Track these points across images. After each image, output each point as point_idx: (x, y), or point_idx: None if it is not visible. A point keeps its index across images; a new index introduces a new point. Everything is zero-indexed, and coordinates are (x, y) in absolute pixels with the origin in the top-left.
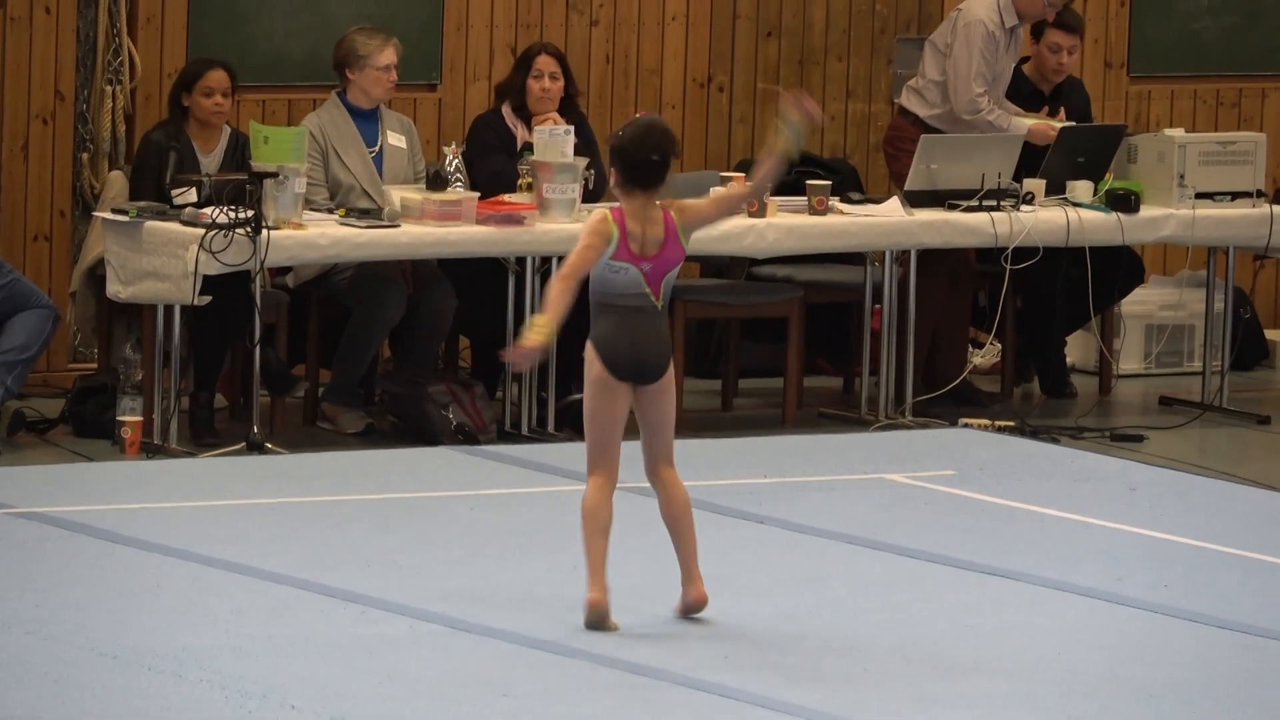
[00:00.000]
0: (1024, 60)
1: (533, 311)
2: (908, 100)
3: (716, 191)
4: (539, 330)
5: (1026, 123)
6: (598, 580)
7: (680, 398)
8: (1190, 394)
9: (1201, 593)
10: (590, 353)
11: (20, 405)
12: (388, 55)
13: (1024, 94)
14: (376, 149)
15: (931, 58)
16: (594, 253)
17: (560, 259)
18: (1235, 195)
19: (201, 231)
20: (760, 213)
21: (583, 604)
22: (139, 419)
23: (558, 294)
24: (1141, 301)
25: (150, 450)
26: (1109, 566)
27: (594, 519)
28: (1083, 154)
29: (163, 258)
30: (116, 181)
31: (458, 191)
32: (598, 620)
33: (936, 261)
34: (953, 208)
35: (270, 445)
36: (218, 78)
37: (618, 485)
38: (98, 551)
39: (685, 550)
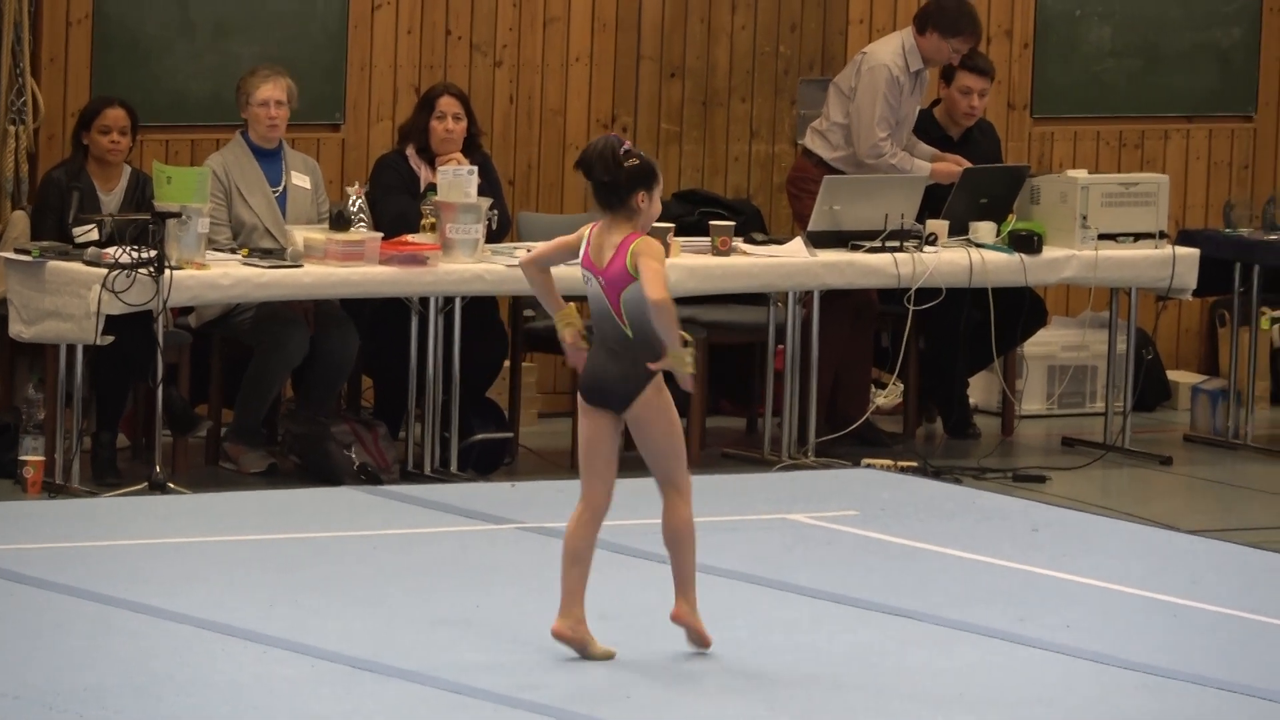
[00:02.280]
0: (935, 103)
1: (434, 350)
2: (811, 141)
3: (654, 283)
4: (561, 328)
5: (929, 165)
6: (565, 608)
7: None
8: (1093, 434)
9: (1103, 633)
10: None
11: None
12: (266, 91)
13: (933, 139)
14: (280, 189)
15: (836, 100)
16: (564, 244)
17: (462, 299)
18: (1138, 236)
19: (104, 271)
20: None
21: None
22: (41, 459)
23: (531, 283)
24: (1044, 342)
25: (52, 490)
26: (1011, 607)
27: (567, 548)
28: (986, 195)
29: (65, 297)
30: (19, 221)
31: (361, 232)
32: (571, 647)
33: (839, 302)
34: (856, 248)
35: (172, 485)
36: (115, 115)
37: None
38: None
39: (674, 570)
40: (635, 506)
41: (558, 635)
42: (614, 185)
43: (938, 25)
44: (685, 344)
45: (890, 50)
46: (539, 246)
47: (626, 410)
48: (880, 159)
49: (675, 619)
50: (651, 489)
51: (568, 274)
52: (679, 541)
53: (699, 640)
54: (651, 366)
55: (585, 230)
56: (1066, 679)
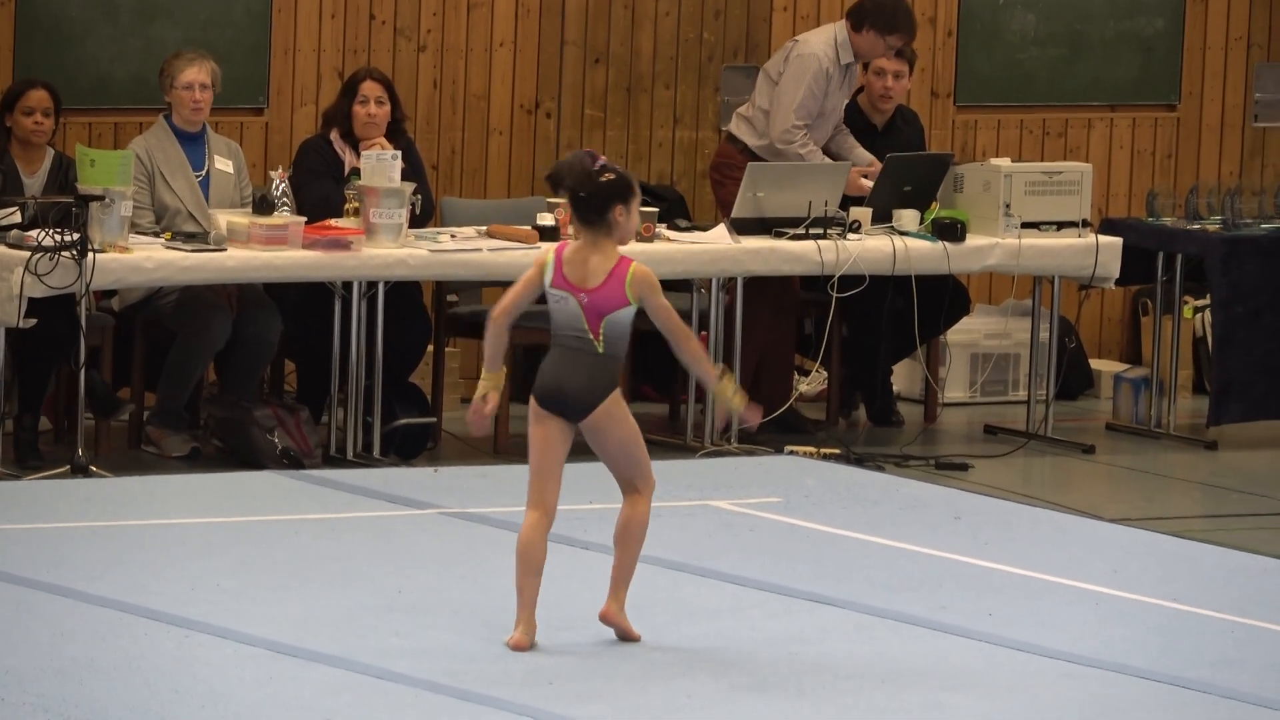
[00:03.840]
0: (858, 91)
1: (357, 334)
2: (737, 128)
3: (675, 321)
4: (484, 387)
5: (848, 164)
6: (524, 619)
7: (503, 423)
8: (1015, 423)
9: (1024, 621)
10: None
11: None
12: (189, 74)
13: (857, 127)
14: (203, 173)
15: (763, 87)
16: (528, 286)
17: (385, 284)
18: (1061, 225)
19: (27, 254)
20: None
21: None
22: None
23: (491, 337)
24: (967, 330)
25: None
26: (933, 594)
27: (524, 557)
28: (909, 183)
29: None
30: None
31: (284, 216)
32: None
33: (762, 289)
34: (779, 235)
35: (95, 468)
36: (38, 97)
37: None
38: None
39: (616, 567)
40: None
41: (519, 647)
42: (590, 201)
43: (874, 23)
44: (720, 376)
45: (822, 41)
46: (506, 296)
47: (584, 420)
48: (790, 146)
49: (604, 618)
50: (565, 475)
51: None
52: (629, 537)
53: (627, 637)
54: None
55: (547, 255)
56: (987, 667)
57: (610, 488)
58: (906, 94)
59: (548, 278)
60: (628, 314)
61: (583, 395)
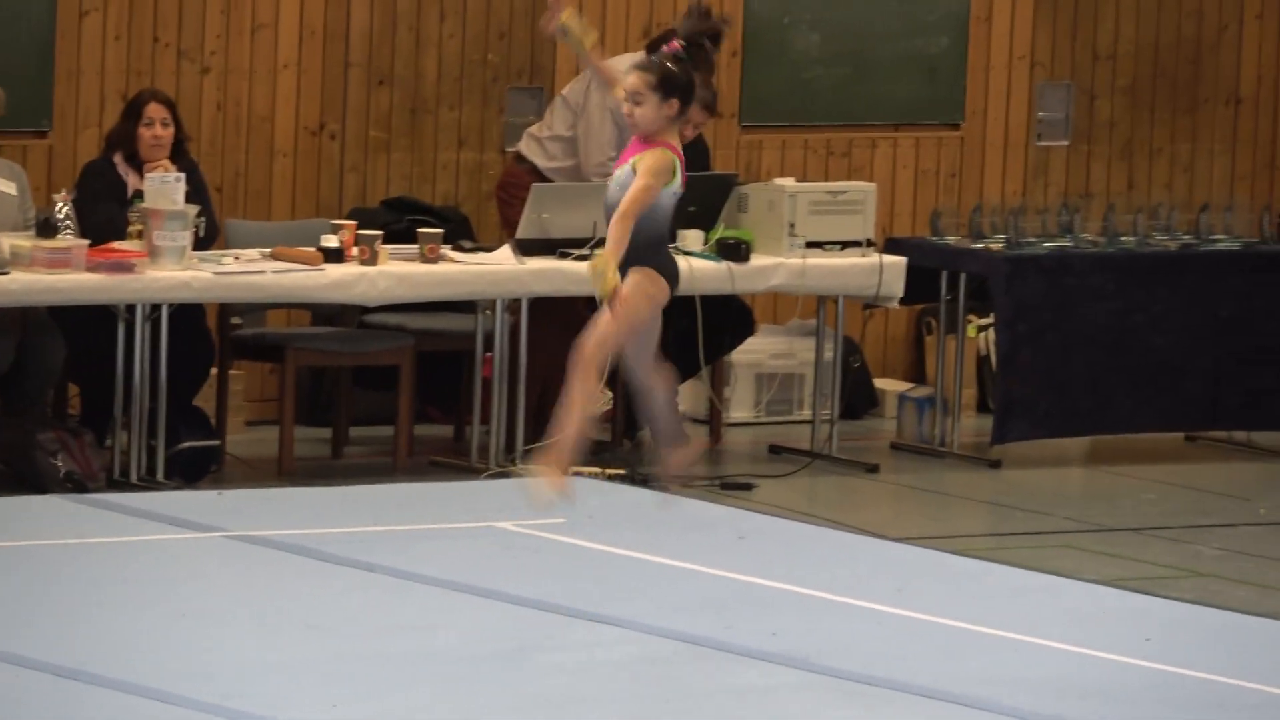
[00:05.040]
0: None
1: (141, 357)
2: (527, 147)
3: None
4: (610, 274)
5: None
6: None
7: (287, 446)
8: (800, 442)
9: (809, 640)
10: (653, 275)
11: None
12: None
13: None
14: None
15: (561, 112)
16: (660, 189)
17: (169, 307)
18: (845, 244)
19: None
20: (371, 260)
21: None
22: None
23: (621, 232)
24: (752, 350)
25: None
26: (717, 614)
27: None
28: (694, 203)
29: None
30: None
31: (67, 239)
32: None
33: (548, 310)
34: (564, 256)
35: None
36: None
37: None
38: None
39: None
40: (335, 514)
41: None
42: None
43: None
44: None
45: (621, 70)
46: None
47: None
48: (608, 179)
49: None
50: (350, 496)
51: None
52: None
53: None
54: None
55: (669, 161)
56: (772, 686)
57: (388, 507)
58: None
59: (675, 182)
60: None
61: None
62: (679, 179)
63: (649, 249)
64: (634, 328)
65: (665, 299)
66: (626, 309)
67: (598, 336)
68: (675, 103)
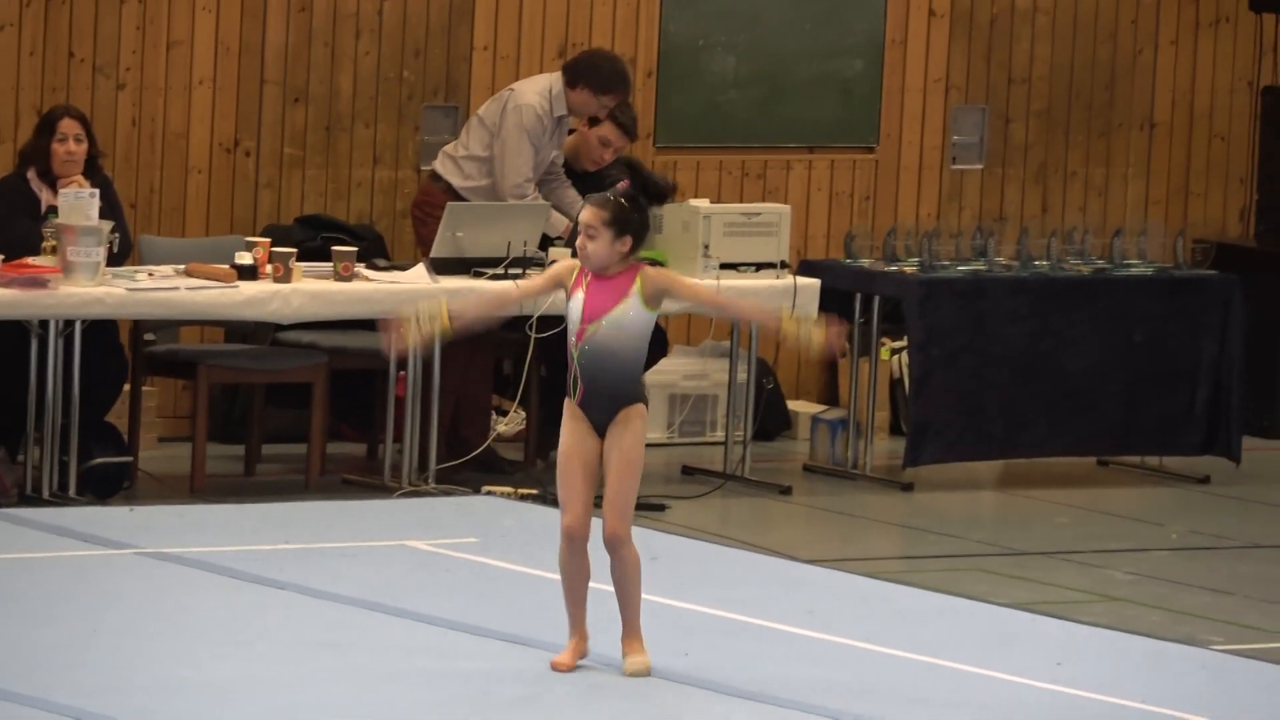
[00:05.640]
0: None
1: (54, 373)
2: (443, 166)
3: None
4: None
5: (562, 222)
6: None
7: (199, 463)
8: (713, 463)
9: (720, 662)
10: (645, 414)
11: None
12: None
13: (567, 172)
14: None
15: (477, 132)
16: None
17: (82, 322)
18: (759, 266)
19: None
20: (286, 278)
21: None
22: None
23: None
24: (665, 371)
25: None
26: None
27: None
28: None
29: None
30: None
31: None
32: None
33: None
34: (478, 275)
35: None
36: None
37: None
38: None
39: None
40: (247, 531)
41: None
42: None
43: (589, 82)
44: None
45: (537, 91)
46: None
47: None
48: (523, 200)
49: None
50: (263, 514)
51: None
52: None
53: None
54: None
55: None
56: (681, 708)
57: (301, 525)
58: None
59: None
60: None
61: None
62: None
63: (639, 382)
64: (637, 474)
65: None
66: (640, 461)
67: (625, 512)
68: (629, 240)
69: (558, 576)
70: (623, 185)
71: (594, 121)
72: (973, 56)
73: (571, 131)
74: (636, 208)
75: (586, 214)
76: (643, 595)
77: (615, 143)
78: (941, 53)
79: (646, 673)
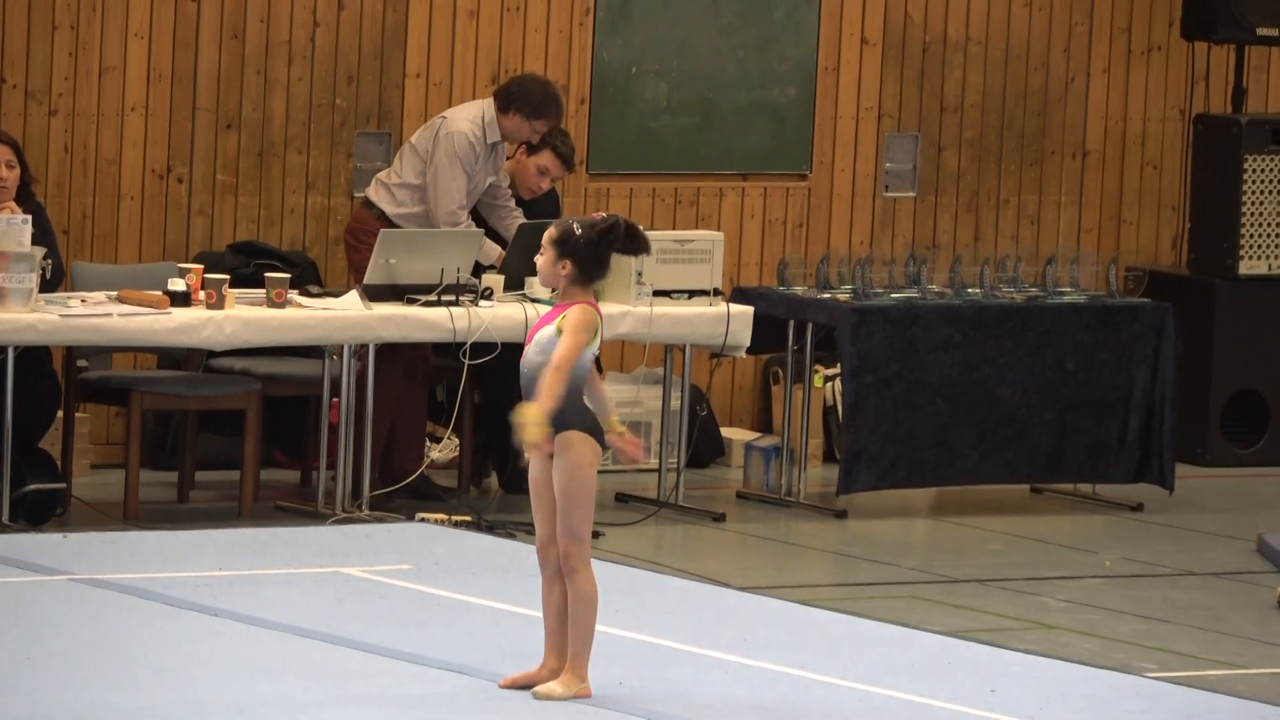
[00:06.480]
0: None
1: None
2: (375, 193)
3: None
4: (537, 425)
5: (495, 250)
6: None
7: (133, 490)
8: (647, 491)
9: (654, 690)
10: (585, 440)
11: None
12: None
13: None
14: None
15: (409, 160)
16: (585, 347)
17: (15, 349)
18: (693, 293)
19: None
20: (218, 305)
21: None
22: None
23: (555, 384)
24: None
25: None
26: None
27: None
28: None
29: None
30: None
31: None
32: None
33: (394, 355)
34: (411, 302)
35: None
36: None
37: None
38: None
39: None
40: (180, 558)
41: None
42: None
43: (520, 107)
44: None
45: (469, 118)
46: (568, 355)
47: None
48: (457, 228)
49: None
50: (196, 541)
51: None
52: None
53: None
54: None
55: (593, 319)
56: None
57: (234, 552)
58: None
59: (596, 341)
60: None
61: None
62: (599, 339)
63: (575, 411)
64: (589, 499)
65: (599, 459)
66: (579, 488)
67: (571, 539)
68: (568, 264)
69: (492, 603)
70: (596, 215)
71: (532, 149)
72: (905, 84)
73: (509, 158)
74: (588, 239)
75: (546, 231)
76: None
77: (553, 172)
78: (874, 81)
79: (551, 698)
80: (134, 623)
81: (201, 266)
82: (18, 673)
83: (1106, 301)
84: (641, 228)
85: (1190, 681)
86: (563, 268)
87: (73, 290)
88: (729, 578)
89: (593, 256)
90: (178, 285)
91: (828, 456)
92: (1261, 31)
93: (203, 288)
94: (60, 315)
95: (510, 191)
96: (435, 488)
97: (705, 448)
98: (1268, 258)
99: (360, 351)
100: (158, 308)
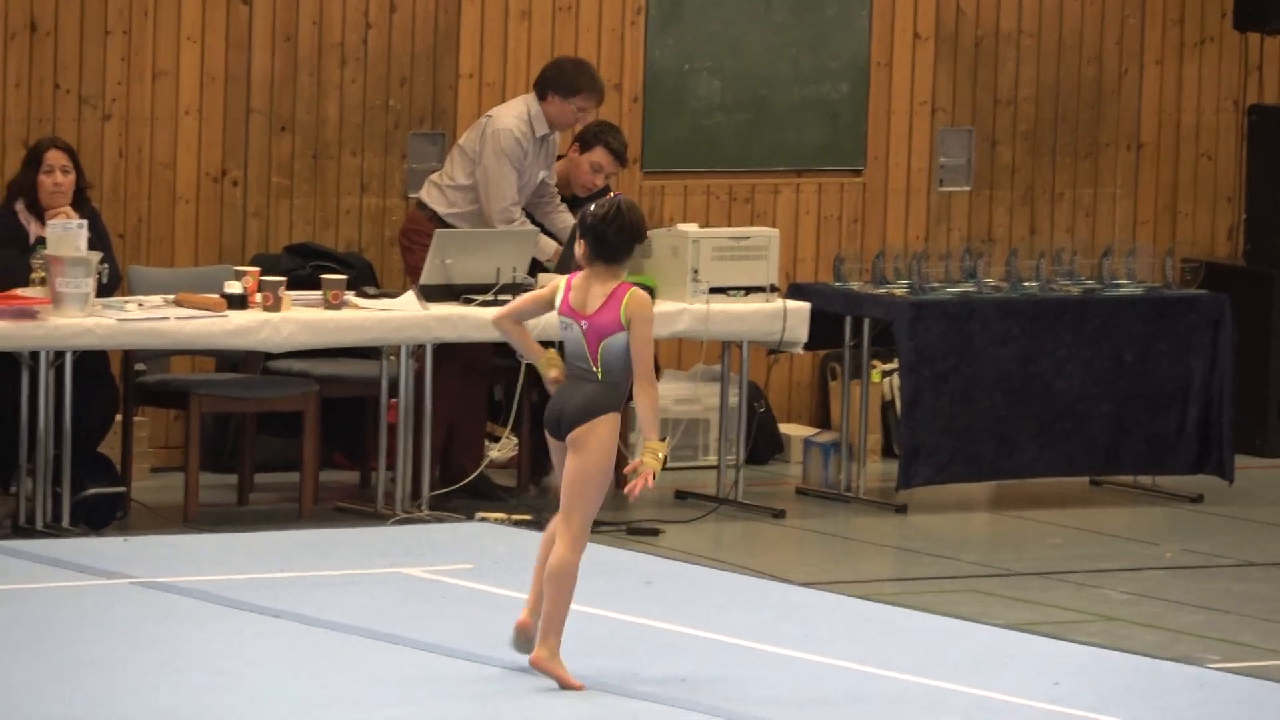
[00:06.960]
0: (558, 157)
1: (45, 404)
2: (428, 194)
3: (646, 357)
4: (545, 369)
5: (551, 246)
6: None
7: (192, 493)
8: (706, 488)
9: (717, 686)
10: (612, 421)
11: None
12: None
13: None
14: None
15: (460, 161)
16: (537, 299)
17: (73, 353)
18: (749, 290)
19: None
20: (275, 307)
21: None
22: None
23: (511, 337)
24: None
25: None
26: (625, 660)
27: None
28: None
29: None
30: None
31: None
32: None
33: (452, 355)
34: (468, 302)
35: None
36: None
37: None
38: None
39: (543, 614)
40: (241, 560)
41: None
42: (630, 242)
43: (556, 88)
44: (662, 438)
45: (514, 114)
46: (511, 302)
47: (573, 431)
48: (511, 225)
49: (534, 664)
50: (256, 543)
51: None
52: (553, 581)
53: (566, 686)
54: (625, 471)
55: (560, 282)
56: None
57: (294, 554)
58: None
59: (558, 300)
60: (622, 338)
61: (579, 410)
62: (558, 301)
63: (622, 392)
64: (606, 479)
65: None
66: (599, 472)
67: (573, 540)
68: (583, 244)
69: None
70: (615, 194)
71: (585, 147)
72: (958, 78)
73: (561, 157)
74: (593, 218)
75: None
76: (636, 618)
77: (607, 168)
78: (927, 75)
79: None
80: (195, 625)
81: (258, 269)
82: (77, 676)
83: (1163, 293)
84: (642, 214)
85: (1253, 672)
86: (580, 246)
87: (129, 294)
88: (789, 573)
89: (596, 236)
90: (234, 288)
91: (886, 452)
92: None
93: (259, 290)
94: (117, 319)
95: (555, 189)
96: (494, 487)
97: (764, 444)
98: None
99: (417, 352)
100: (215, 310)
